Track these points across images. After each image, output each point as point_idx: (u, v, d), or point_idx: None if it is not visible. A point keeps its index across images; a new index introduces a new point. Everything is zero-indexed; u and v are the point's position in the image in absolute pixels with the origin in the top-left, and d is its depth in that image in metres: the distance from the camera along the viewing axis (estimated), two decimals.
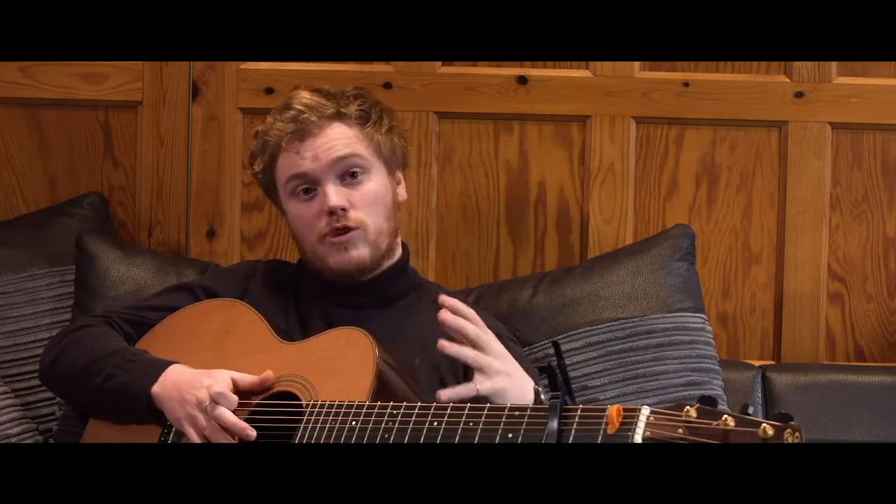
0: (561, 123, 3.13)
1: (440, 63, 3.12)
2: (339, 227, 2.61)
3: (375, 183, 2.65)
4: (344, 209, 2.60)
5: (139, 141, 3.16)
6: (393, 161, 2.69)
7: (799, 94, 3.10)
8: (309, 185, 2.63)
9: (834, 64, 3.09)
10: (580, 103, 3.12)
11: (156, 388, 2.50)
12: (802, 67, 3.10)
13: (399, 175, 2.72)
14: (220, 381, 2.46)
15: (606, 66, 3.11)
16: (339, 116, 2.64)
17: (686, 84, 3.11)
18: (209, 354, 2.58)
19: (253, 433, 2.42)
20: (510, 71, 3.12)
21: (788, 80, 3.11)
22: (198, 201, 3.15)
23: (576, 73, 3.12)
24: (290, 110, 2.65)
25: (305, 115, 2.63)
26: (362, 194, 2.63)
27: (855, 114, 3.10)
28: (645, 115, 3.12)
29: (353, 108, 2.65)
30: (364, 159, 2.64)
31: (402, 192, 2.72)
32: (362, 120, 2.66)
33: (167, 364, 2.52)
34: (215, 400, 2.44)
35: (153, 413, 2.51)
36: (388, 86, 3.07)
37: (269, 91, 3.13)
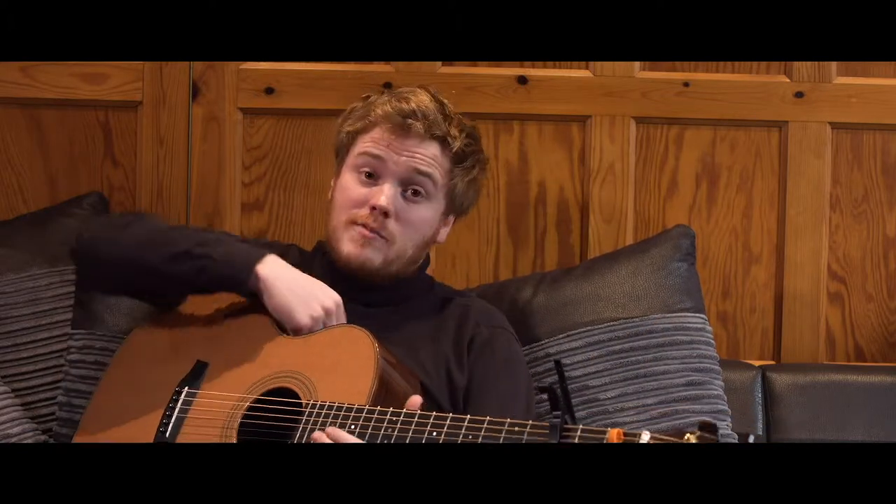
0: (561, 123, 3.13)
1: (440, 63, 3.12)
2: (373, 227, 2.60)
3: (428, 212, 2.65)
4: (387, 214, 2.60)
5: (139, 141, 3.16)
6: (455, 206, 2.70)
7: (799, 94, 3.10)
8: (374, 172, 2.63)
9: (834, 64, 3.09)
10: (580, 103, 3.12)
11: (262, 267, 2.52)
12: (802, 67, 3.10)
13: (450, 219, 2.71)
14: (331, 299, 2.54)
15: (606, 66, 3.11)
16: (442, 142, 2.64)
17: (686, 84, 3.11)
18: (209, 346, 2.57)
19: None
20: (510, 71, 3.12)
21: (788, 80, 3.10)
22: (198, 201, 3.15)
23: (576, 73, 3.12)
24: (407, 104, 2.63)
25: (416, 120, 2.62)
26: (410, 214, 2.62)
27: (855, 114, 3.10)
28: (645, 115, 3.12)
29: (458, 143, 2.64)
30: (434, 188, 2.64)
31: (443, 234, 2.71)
32: (458, 158, 2.66)
33: (264, 251, 2.57)
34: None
35: (248, 292, 2.54)
36: (388, 86, 3.06)
37: (269, 91, 3.13)
